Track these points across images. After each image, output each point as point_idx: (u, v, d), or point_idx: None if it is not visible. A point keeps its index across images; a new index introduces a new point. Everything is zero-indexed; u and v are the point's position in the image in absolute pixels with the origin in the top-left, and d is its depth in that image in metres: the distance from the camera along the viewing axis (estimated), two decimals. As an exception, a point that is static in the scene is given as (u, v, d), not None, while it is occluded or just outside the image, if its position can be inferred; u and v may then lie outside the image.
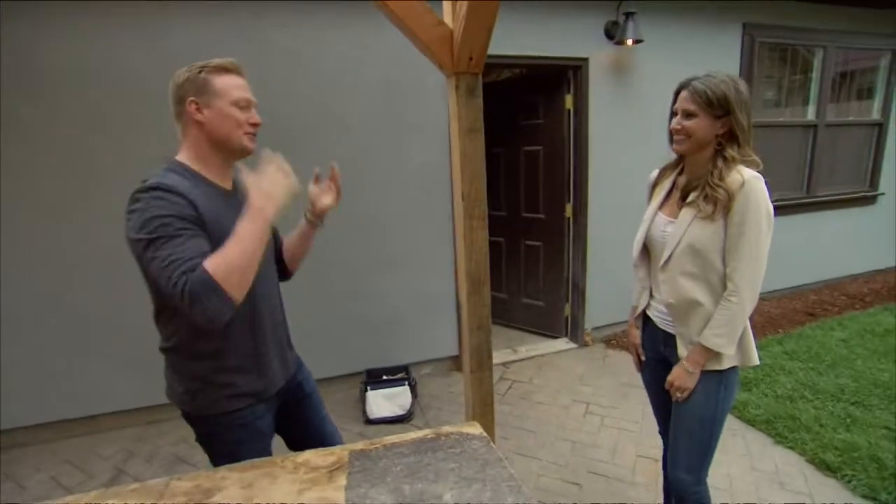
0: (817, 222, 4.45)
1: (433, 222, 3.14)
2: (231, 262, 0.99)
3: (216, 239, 1.05)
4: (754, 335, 1.42)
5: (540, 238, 3.79)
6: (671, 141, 1.41)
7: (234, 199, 1.19)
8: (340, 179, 1.40)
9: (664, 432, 1.67)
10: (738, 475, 2.21)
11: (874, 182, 4.68)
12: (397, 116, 2.96)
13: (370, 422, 2.76)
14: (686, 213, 1.36)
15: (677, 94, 1.37)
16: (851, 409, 2.60)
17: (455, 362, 3.42)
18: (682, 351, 1.41)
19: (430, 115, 3.00)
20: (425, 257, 3.16)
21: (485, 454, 1.10)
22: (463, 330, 1.50)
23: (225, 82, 1.14)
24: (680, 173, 1.47)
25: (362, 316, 3.10)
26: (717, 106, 1.28)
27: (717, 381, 1.38)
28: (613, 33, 3.26)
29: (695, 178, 1.38)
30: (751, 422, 2.58)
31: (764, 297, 4.10)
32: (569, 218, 3.60)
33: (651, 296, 1.55)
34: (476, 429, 1.22)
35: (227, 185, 1.22)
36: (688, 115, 1.33)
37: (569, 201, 3.57)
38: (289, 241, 1.45)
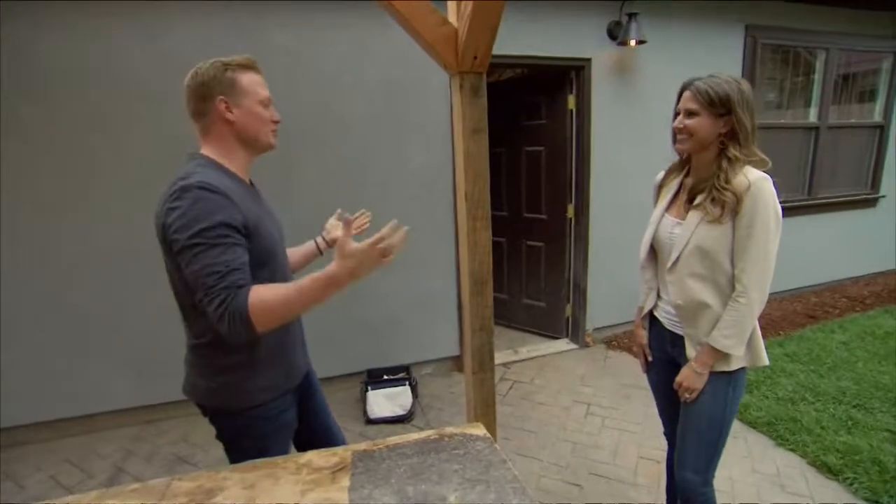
0: (818, 224, 4.44)
1: (434, 222, 3.13)
2: (273, 310, 1.01)
3: (256, 235, 1.09)
4: (757, 336, 1.41)
5: (541, 238, 3.79)
6: (674, 140, 1.41)
7: (256, 194, 1.22)
8: (367, 225, 1.45)
9: (669, 433, 1.67)
10: (739, 477, 2.20)
11: (875, 184, 4.68)
12: (398, 116, 2.95)
13: (371, 421, 2.76)
14: (693, 216, 1.36)
15: (681, 94, 1.38)
16: (853, 412, 2.60)
17: (456, 362, 3.41)
18: (690, 352, 1.41)
19: (431, 116, 2.99)
20: (426, 257, 3.16)
21: (488, 455, 1.10)
22: (465, 331, 1.49)
23: (250, 80, 1.14)
24: (686, 175, 1.47)
25: (363, 316, 3.09)
26: (719, 105, 1.28)
27: (725, 381, 1.38)
28: (616, 34, 3.26)
29: (701, 179, 1.38)
30: (752, 424, 2.58)
31: (765, 299, 4.10)
32: (570, 218, 3.59)
33: (658, 297, 1.55)
34: (480, 430, 1.21)
35: (247, 179, 1.23)
36: (690, 113, 1.33)
37: (571, 202, 3.56)
38: (291, 253, 1.46)
